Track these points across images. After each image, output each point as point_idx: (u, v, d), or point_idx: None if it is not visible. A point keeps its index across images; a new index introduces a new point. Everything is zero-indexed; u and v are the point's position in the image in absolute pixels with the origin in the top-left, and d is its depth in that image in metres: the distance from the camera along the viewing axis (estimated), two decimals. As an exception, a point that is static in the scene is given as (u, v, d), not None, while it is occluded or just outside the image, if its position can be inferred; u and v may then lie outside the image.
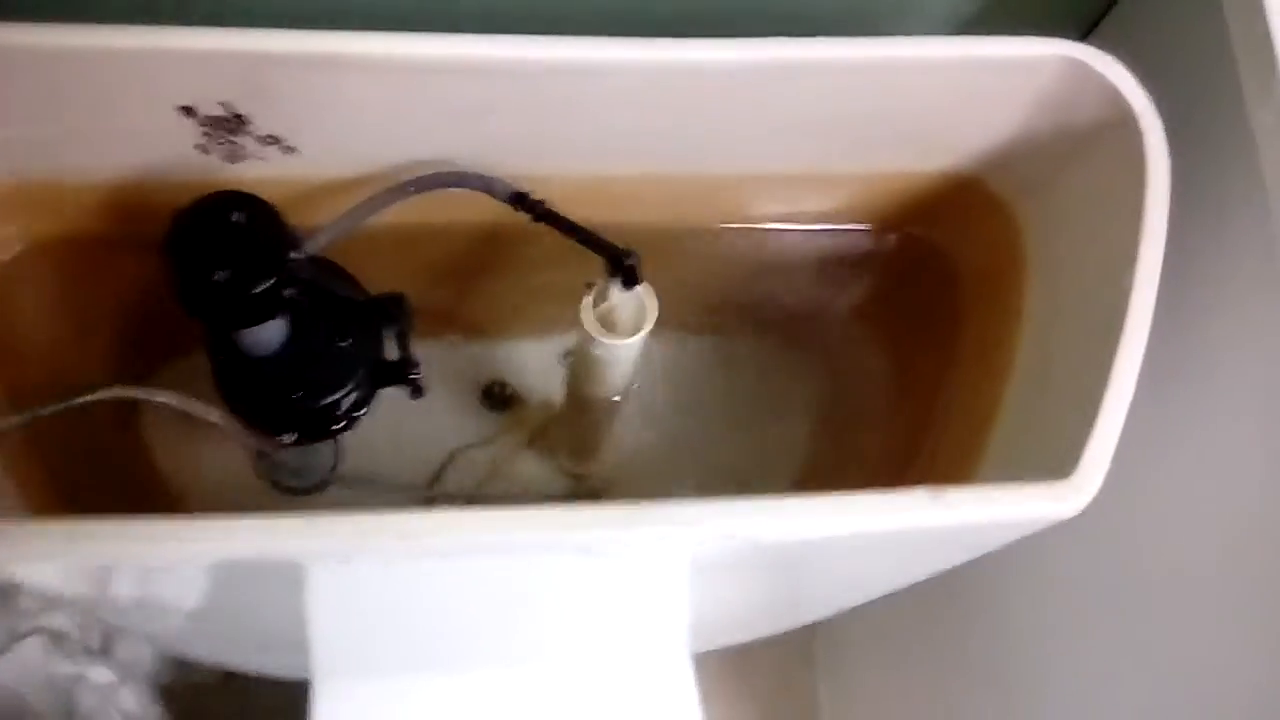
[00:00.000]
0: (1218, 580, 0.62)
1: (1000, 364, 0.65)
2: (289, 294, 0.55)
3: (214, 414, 0.56)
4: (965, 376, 0.68)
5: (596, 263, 0.59)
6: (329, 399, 0.61)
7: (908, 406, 0.72)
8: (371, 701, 0.84)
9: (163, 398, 0.54)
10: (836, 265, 0.72)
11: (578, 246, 0.60)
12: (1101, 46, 0.59)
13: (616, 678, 0.89)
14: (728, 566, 0.59)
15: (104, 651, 1.06)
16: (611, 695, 0.88)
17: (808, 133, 0.64)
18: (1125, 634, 0.69)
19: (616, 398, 0.66)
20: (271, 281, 0.54)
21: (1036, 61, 0.59)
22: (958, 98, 0.61)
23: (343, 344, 0.62)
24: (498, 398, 0.80)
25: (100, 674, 1.05)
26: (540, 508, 0.49)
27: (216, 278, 0.54)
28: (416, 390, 0.65)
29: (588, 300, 0.60)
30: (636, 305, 0.60)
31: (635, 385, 0.67)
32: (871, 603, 0.98)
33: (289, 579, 0.54)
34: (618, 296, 0.59)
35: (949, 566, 0.64)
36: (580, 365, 0.64)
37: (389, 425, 0.68)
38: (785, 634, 1.11)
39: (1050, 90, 0.61)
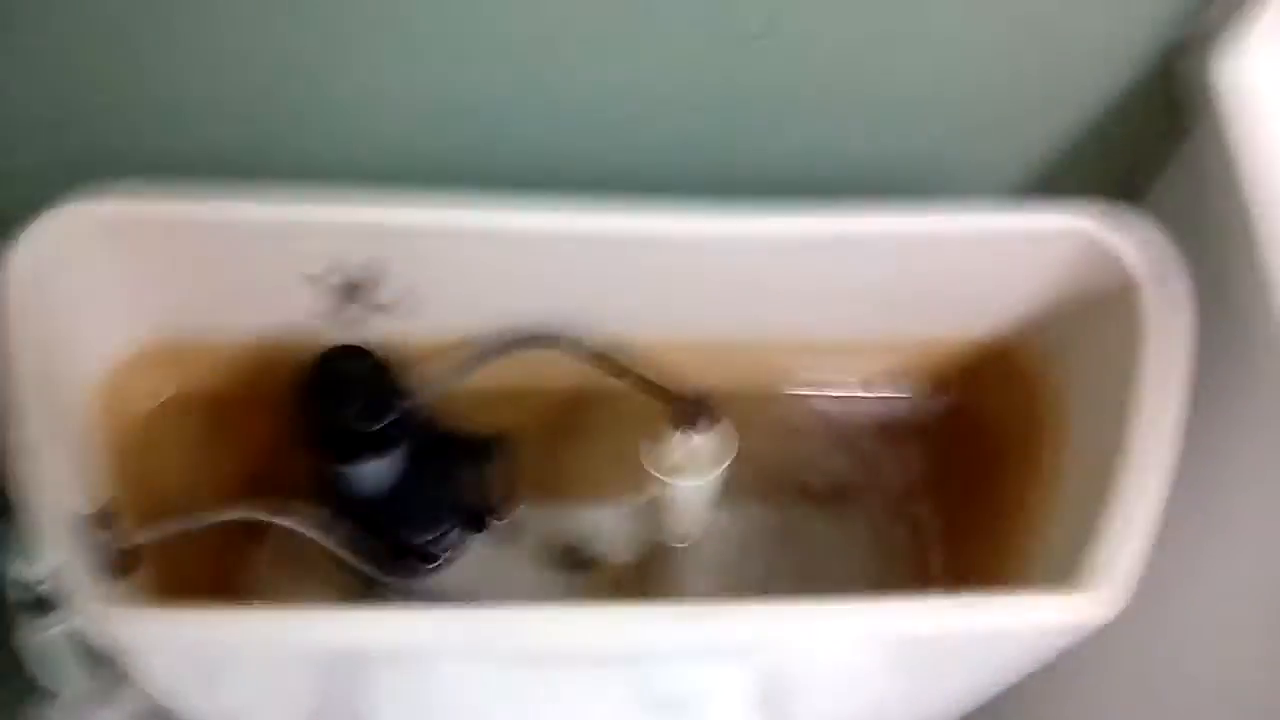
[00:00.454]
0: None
1: (1033, 509, 0.72)
2: (400, 433, 0.64)
3: (329, 540, 0.63)
4: (1005, 524, 0.75)
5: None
6: (425, 538, 0.69)
7: (952, 556, 0.79)
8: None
9: (288, 521, 0.62)
10: (879, 429, 0.80)
11: (653, 413, 0.68)
12: (1150, 209, 0.67)
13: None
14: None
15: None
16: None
17: (852, 301, 0.72)
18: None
19: (684, 545, 0.73)
20: (388, 419, 0.63)
21: (1054, 233, 0.67)
22: (988, 267, 0.70)
23: (442, 489, 0.70)
24: (576, 560, 0.86)
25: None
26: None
27: (344, 413, 0.63)
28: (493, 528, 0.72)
29: (646, 444, 0.68)
30: (705, 451, 0.68)
31: (700, 534, 0.74)
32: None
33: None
34: (687, 442, 0.67)
35: (986, 687, 0.69)
36: (654, 512, 0.71)
37: (470, 580, 0.74)
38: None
39: (1068, 261, 0.69)
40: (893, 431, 0.80)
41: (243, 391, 0.72)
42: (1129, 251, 0.66)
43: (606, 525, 0.83)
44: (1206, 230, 0.67)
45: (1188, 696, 0.71)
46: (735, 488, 0.73)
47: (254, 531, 0.74)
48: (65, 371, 0.64)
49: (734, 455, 0.68)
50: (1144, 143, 0.74)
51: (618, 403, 0.75)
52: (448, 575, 0.71)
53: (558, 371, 0.74)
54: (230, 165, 0.68)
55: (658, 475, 0.66)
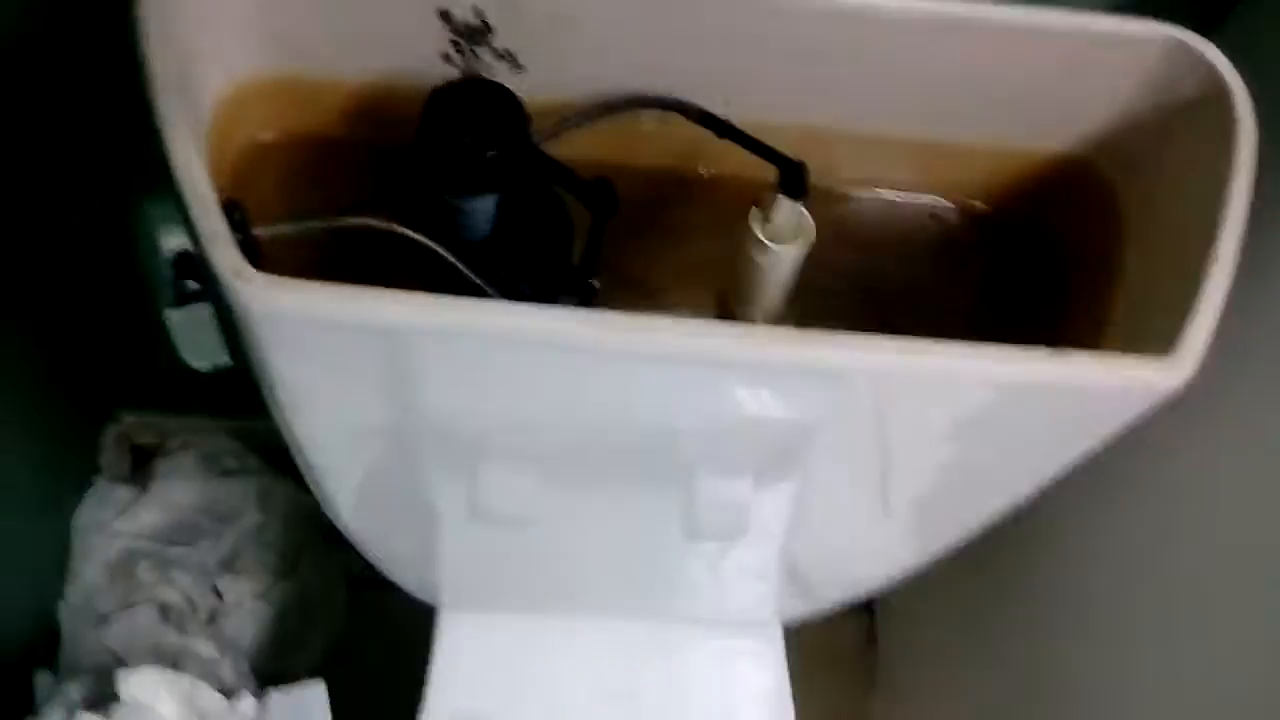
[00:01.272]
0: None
1: (1100, 307, 0.75)
2: (514, 169, 0.66)
3: (445, 251, 0.66)
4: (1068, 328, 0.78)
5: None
6: (521, 280, 0.71)
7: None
8: (492, 636, 0.92)
9: (409, 232, 0.65)
10: (952, 240, 0.83)
11: (735, 217, 0.71)
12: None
13: (710, 644, 0.97)
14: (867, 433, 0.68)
15: (210, 623, 1.13)
16: (706, 661, 0.96)
17: (939, 96, 0.75)
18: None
19: (766, 323, 0.76)
20: (505, 150, 0.65)
21: (1143, 40, 0.70)
22: (1071, 71, 0.72)
23: (541, 238, 0.72)
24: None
25: (204, 647, 1.11)
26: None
27: (462, 141, 0.65)
28: (587, 304, 0.75)
29: (756, 211, 0.71)
30: (797, 221, 0.71)
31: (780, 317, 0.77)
32: (928, 624, 1.06)
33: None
34: (784, 209, 0.70)
35: (1052, 465, 0.72)
36: (739, 284, 0.74)
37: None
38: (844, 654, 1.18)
39: (1154, 70, 0.72)
40: (964, 241, 0.82)
41: (355, 133, 0.74)
42: (1222, 61, 0.69)
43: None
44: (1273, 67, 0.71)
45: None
46: (812, 286, 0.76)
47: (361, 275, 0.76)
48: (193, 81, 0.65)
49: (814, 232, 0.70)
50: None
51: (703, 197, 0.78)
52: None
53: (651, 150, 0.77)
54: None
55: (761, 237, 0.69)
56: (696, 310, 0.80)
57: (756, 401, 0.66)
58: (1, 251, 0.97)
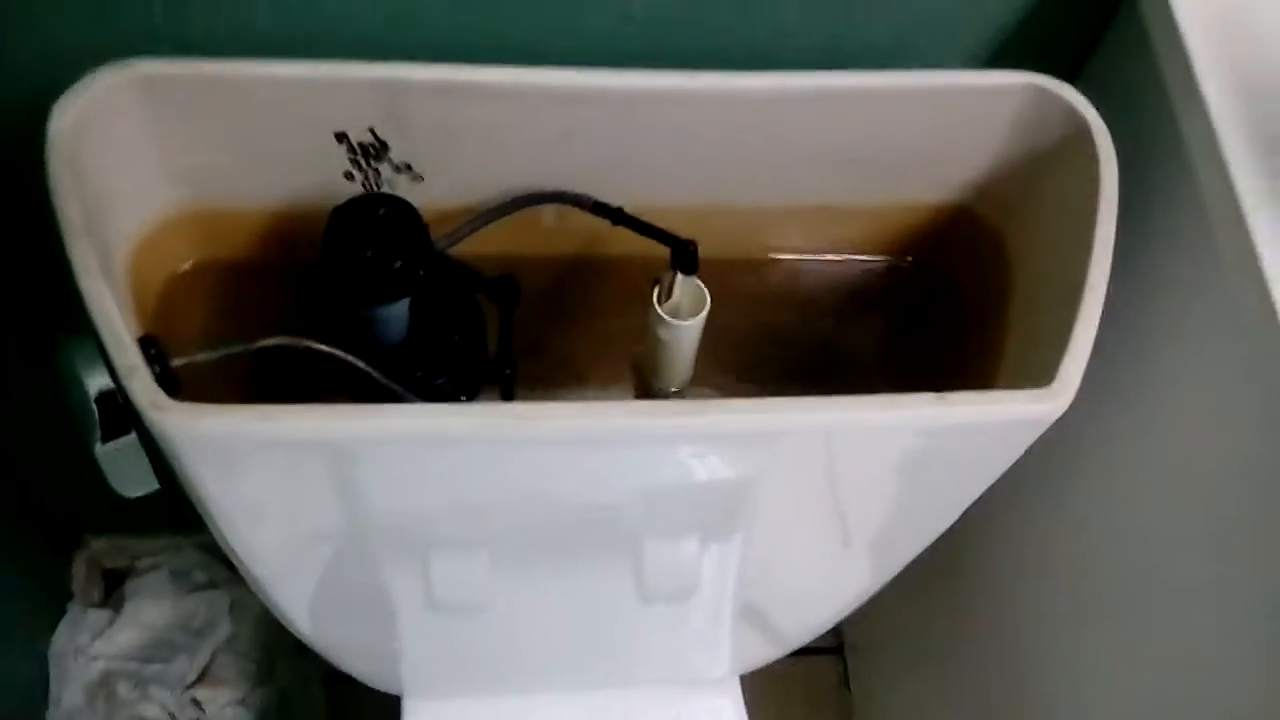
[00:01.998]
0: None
1: (996, 351, 0.79)
2: (419, 276, 0.70)
3: (361, 362, 0.69)
4: (971, 368, 0.82)
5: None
6: (440, 380, 0.75)
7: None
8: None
9: (322, 347, 0.68)
10: (851, 292, 0.87)
11: (636, 293, 0.75)
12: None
13: (671, 705, 0.99)
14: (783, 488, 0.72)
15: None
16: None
17: (822, 164, 0.78)
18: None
19: (676, 389, 0.80)
20: (407, 259, 0.69)
21: (1005, 89, 0.75)
22: (942, 125, 0.76)
23: (455, 336, 0.76)
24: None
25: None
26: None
27: (366, 255, 0.68)
28: (508, 392, 0.79)
29: (656, 292, 0.74)
30: (695, 294, 0.74)
31: (688, 382, 0.80)
32: (898, 660, 1.09)
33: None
34: (680, 285, 0.74)
35: (970, 492, 0.76)
36: (648, 356, 0.78)
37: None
38: (819, 697, 1.21)
39: (1019, 116, 0.76)
40: (867, 296, 0.86)
41: (269, 256, 0.78)
42: (1080, 101, 0.73)
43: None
44: (1129, 104, 0.76)
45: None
46: (718, 347, 0.79)
47: (285, 391, 0.80)
48: (108, 224, 0.69)
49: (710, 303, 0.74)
50: (1079, 20, 0.82)
51: (609, 275, 0.82)
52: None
53: (551, 240, 0.81)
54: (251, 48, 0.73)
55: (662, 315, 0.72)
56: (614, 380, 0.84)
57: (674, 468, 0.70)
58: None
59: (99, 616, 1.26)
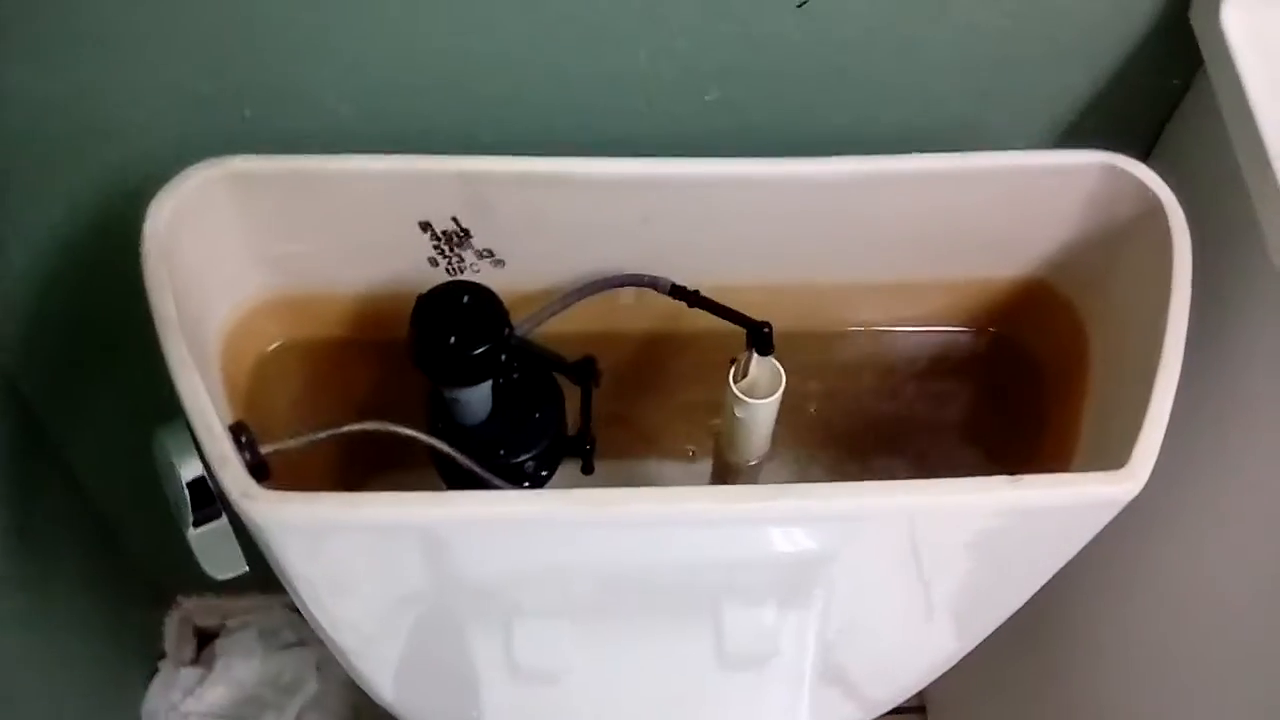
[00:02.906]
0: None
1: (1073, 427, 0.79)
2: (501, 360, 0.72)
3: (443, 445, 0.71)
4: (1047, 443, 0.82)
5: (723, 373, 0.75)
6: (522, 458, 0.77)
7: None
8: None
9: (408, 431, 0.70)
10: (932, 363, 0.87)
11: (714, 366, 0.76)
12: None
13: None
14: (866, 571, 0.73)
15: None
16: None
17: (898, 243, 0.79)
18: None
19: (754, 462, 0.81)
20: (489, 345, 0.71)
21: (1080, 168, 0.75)
22: (1021, 204, 0.77)
23: (536, 414, 0.78)
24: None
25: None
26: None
27: (449, 341, 0.70)
28: (588, 466, 0.80)
29: (733, 371, 0.76)
30: (772, 373, 0.75)
31: (765, 457, 0.81)
32: (982, 699, 1.09)
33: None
34: (756, 364, 0.75)
35: (1049, 568, 0.76)
36: (725, 431, 0.79)
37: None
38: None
39: (1093, 194, 0.76)
40: (943, 368, 0.87)
41: (355, 337, 0.80)
42: (1153, 179, 0.74)
43: (674, 476, 0.91)
44: (1204, 179, 0.76)
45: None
46: (796, 416, 0.80)
47: (361, 473, 0.82)
48: (200, 312, 0.72)
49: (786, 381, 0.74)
50: (1154, 97, 0.82)
51: (687, 350, 0.83)
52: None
53: (630, 318, 0.83)
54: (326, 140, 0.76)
55: (738, 394, 0.74)
56: (692, 449, 0.87)
57: (751, 544, 0.72)
58: (66, 461, 1.06)
59: (190, 675, 1.29)
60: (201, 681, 1.28)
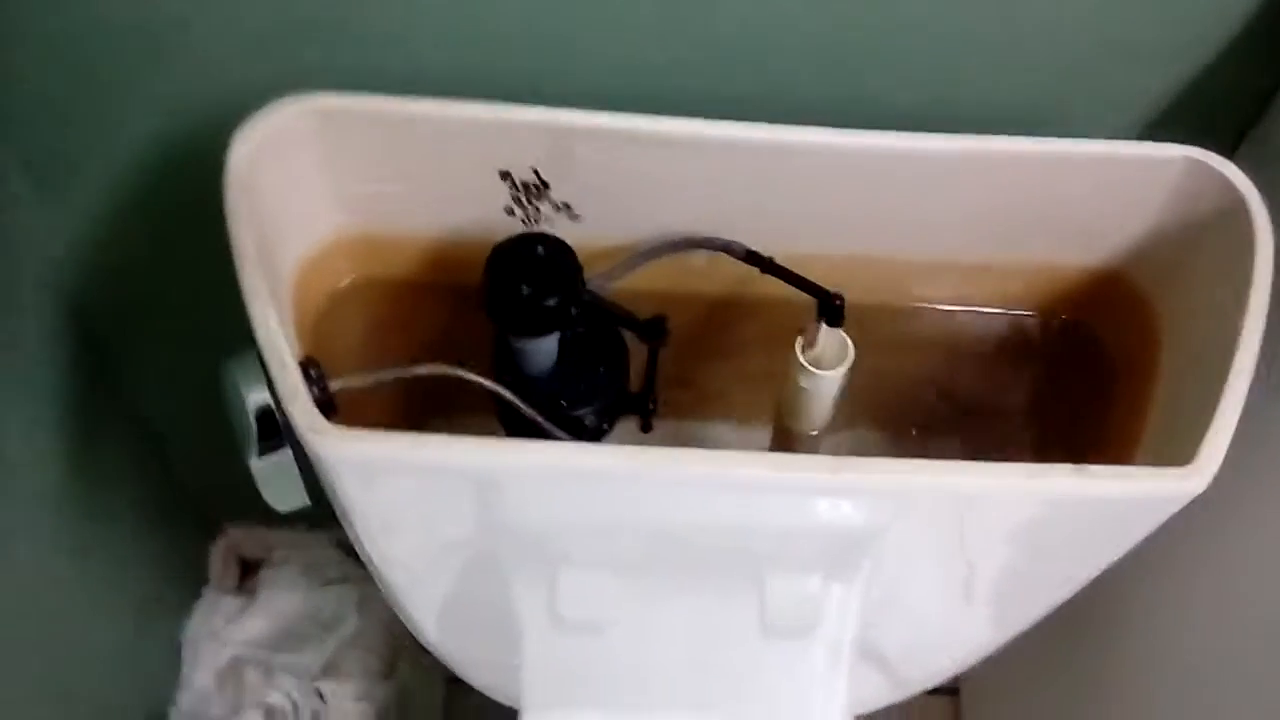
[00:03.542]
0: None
1: (1139, 421, 0.79)
2: (571, 312, 0.72)
3: (507, 393, 0.71)
4: (1112, 436, 0.81)
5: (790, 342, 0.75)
6: (582, 411, 0.77)
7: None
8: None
9: (475, 376, 0.70)
10: (999, 346, 0.87)
11: (782, 334, 0.76)
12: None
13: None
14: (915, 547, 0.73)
15: (315, 727, 1.18)
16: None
17: (974, 224, 0.79)
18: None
19: (815, 432, 0.81)
20: (561, 297, 0.71)
21: (1165, 162, 0.74)
22: (1101, 192, 0.76)
23: (600, 369, 0.78)
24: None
25: (310, 749, 1.16)
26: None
27: (522, 291, 0.71)
28: (647, 424, 0.80)
29: (800, 340, 0.76)
30: (839, 345, 0.75)
31: (828, 425, 0.81)
32: (1013, 700, 1.09)
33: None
34: (824, 335, 0.75)
35: (1101, 561, 0.76)
36: (788, 400, 0.79)
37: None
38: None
39: (1177, 188, 0.75)
40: (1013, 352, 0.86)
41: (426, 279, 0.80)
42: (1239, 176, 0.73)
43: (735, 440, 0.91)
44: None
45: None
46: (860, 390, 0.80)
47: (424, 417, 0.82)
48: (277, 246, 0.72)
49: (854, 355, 0.74)
50: (1244, 95, 0.81)
51: (758, 315, 0.83)
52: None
53: (702, 280, 0.83)
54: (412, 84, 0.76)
55: (805, 364, 0.73)
56: (754, 416, 0.86)
57: (804, 513, 0.72)
58: (126, 388, 1.07)
59: (233, 603, 1.30)
60: (243, 611, 1.30)
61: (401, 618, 0.86)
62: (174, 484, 1.22)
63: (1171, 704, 0.92)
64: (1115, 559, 0.75)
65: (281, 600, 1.30)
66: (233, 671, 1.26)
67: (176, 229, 0.86)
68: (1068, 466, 0.65)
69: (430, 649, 0.91)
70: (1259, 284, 0.69)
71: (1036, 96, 0.80)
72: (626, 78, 0.77)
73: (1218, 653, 0.86)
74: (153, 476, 1.18)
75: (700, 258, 0.80)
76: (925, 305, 0.86)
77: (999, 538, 0.73)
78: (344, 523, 0.70)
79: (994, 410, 0.87)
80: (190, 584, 1.31)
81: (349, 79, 0.73)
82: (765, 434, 0.85)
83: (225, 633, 1.28)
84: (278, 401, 0.63)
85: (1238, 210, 0.73)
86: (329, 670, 1.27)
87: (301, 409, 0.62)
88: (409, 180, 0.75)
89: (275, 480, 0.66)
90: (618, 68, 0.77)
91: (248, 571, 1.36)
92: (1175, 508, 0.67)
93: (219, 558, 1.33)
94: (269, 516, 1.32)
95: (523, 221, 0.77)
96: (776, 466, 0.65)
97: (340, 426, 0.62)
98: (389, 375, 0.68)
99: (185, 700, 1.24)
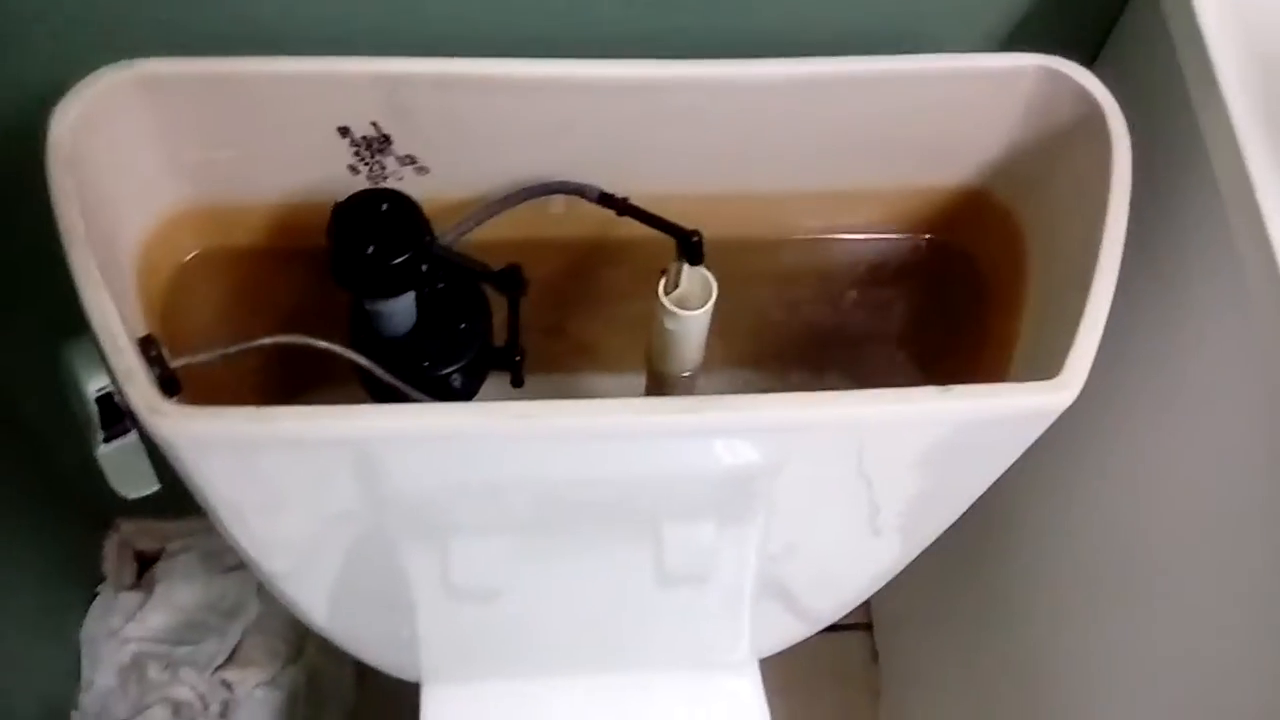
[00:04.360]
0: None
1: (1010, 334, 0.78)
2: (423, 271, 0.69)
3: (363, 359, 0.69)
4: (985, 351, 0.81)
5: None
6: (448, 369, 0.75)
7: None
8: (476, 705, 0.95)
9: (323, 344, 0.68)
10: (867, 272, 0.86)
11: (649, 275, 0.74)
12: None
13: (689, 689, 0.99)
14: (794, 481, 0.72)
15: (223, 717, 1.16)
16: (685, 706, 0.99)
17: (834, 150, 0.78)
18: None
19: (687, 373, 0.79)
20: (409, 255, 0.68)
21: (1018, 71, 0.73)
22: (959, 108, 0.75)
23: (462, 325, 0.76)
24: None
25: (218, 742, 1.14)
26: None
27: (368, 251, 0.68)
28: (517, 379, 0.78)
29: (663, 282, 0.74)
30: (702, 283, 0.74)
31: (703, 365, 0.80)
32: (925, 633, 1.09)
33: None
34: (687, 275, 0.73)
35: (988, 475, 0.76)
36: (657, 343, 0.77)
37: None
38: (848, 673, 1.21)
39: (1032, 97, 0.74)
40: (882, 275, 0.85)
41: (276, 246, 0.77)
42: (1093, 83, 0.72)
43: (610, 389, 0.89)
44: (1148, 86, 0.76)
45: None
46: (732, 326, 0.79)
47: (286, 389, 0.80)
48: (112, 222, 0.69)
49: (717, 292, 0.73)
50: (1092, 8, 0.81)
51: (620, 260, 0.81)
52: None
53: (561, 226, 0.80)
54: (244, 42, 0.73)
55: (668, 305, 0.72)
56: (627, 360, 0.84)
57: (680, 458, 0.70)
58: None
59: (130, 599, 1.27)
60: (142, 606, 1.27)
61: (287, 604, 0.83)
62: (59, 480, 1.18)
63: (1070, 617, 0.93)
64: (1000, 472, 0.75)
65: (180, 592, 1.28)
66: (135, 668, 1.23)
67: (11, 211, 0.82)
68: (933, 389, 0.64)
69: (322, 633, 0.88)
70: (1117, 191, 0.69)
71: (893, 14, 0.79)
72: (465, 18, 0.75)
73: (1107, 564, 0.86)
74: (35, 476, 1.14)
75: (558, 203, 0.78)
76: (793, 236, 0.84)
77: (881, 463, 0.72)
78: (205, 510, 0.68)
79: (871, 335, 0.86)
80: (86, 583, 1.28)
81: (181, 42, 0.71)
82: (641, 380, 0.83)
83: (125, 630, 1.26)
84: (116, 384, 0.60)
85: (1094, 117, 0.72)
86: (234, 659, 1.25)
87: (139, 390, 0.59)
88: (245, 144, 0.72)
89: (123, 467, 0.64)
90: (456, 7, 0.75)
91: (144, 565, 1.33)
92: (1048, 421, 0.67)
93: (113, 553, 1.30)
94: (162, 508, 1.30)
95: (367, 179, 0.74)
96: (640, 411, 0.64)
97: (181, 405, 0.59)
98: (233, 350, 0.66)
99: (87, 701, 1.22)
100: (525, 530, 0.78)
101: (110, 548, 1.29)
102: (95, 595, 1.27)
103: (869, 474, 0.73)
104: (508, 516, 0.76)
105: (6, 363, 1.03)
